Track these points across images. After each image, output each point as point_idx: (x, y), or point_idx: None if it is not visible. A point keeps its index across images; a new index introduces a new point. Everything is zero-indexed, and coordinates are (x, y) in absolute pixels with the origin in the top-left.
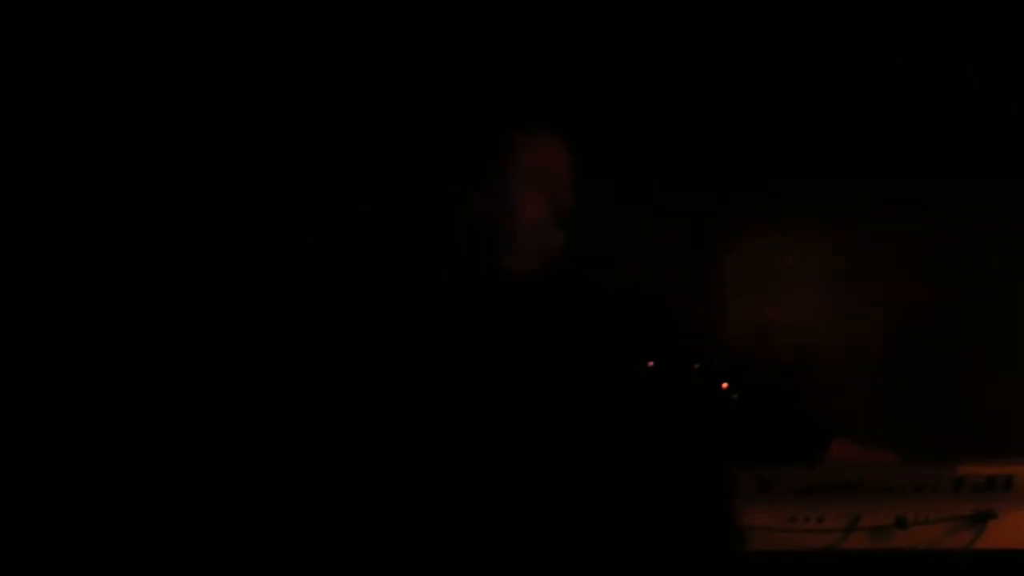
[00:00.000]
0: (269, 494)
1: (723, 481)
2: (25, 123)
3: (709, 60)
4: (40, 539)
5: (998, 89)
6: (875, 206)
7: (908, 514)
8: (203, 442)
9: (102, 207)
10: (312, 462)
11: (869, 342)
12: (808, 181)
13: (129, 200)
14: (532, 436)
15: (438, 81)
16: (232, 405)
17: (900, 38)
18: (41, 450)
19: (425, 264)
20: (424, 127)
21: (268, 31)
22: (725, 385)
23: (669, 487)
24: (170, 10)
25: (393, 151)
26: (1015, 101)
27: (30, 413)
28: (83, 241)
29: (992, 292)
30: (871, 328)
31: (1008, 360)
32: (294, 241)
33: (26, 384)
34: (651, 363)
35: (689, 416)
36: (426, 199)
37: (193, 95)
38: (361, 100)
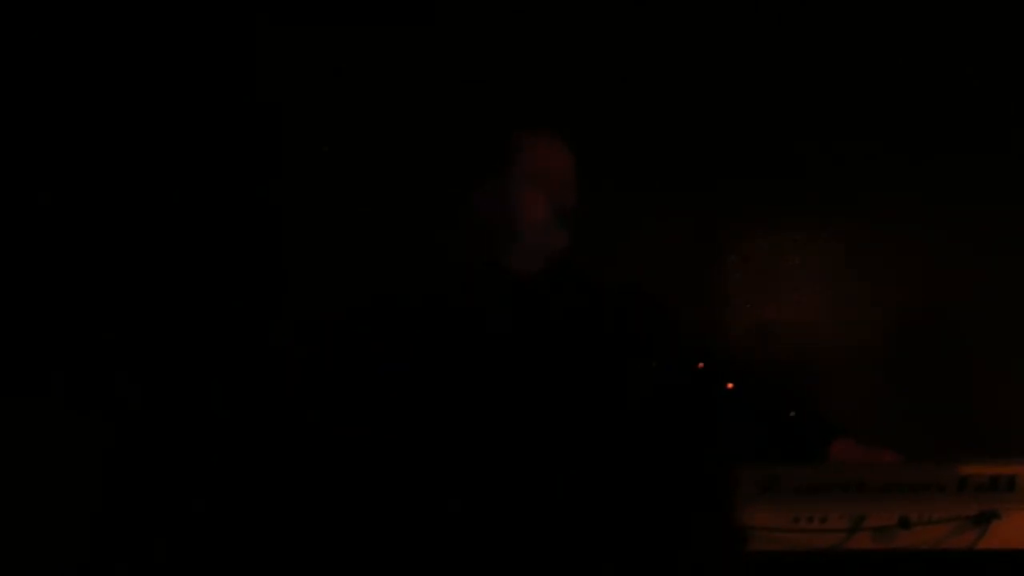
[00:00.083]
0: (271, 494)
1: (726, 481)
2: (24, 123)
3: (711, 60)
4: (39, 539)
5: (998, 89)
6: (878, 206)
7: (912, 514)
8: (204, 442)
9: (102, 207)
10: (317, 464)
11: (872, 341)
12: (809, 181)
13: (129, 201)
14: (535, 436)
15: (441, 81)
16: (234, 404)
17: (901, 38)
18: (41, 449)
19: (428, 264)
20: (426, 127)
21: (268, 31)
22: (729, 385)
23: (672, 487)
24: (170, 10)
25: (396, 151)
26: (1015, 101)
27: (31, 413)
28: (83, 241)
29: (996, 291)
30: (874, 327)
31: (1011, 360)
32: (296, 241)
33: (25, 384)
34: (654, 363)
35: (692, 416)
36: (429, 199)
37: (193, 95)
38: (363, 100)
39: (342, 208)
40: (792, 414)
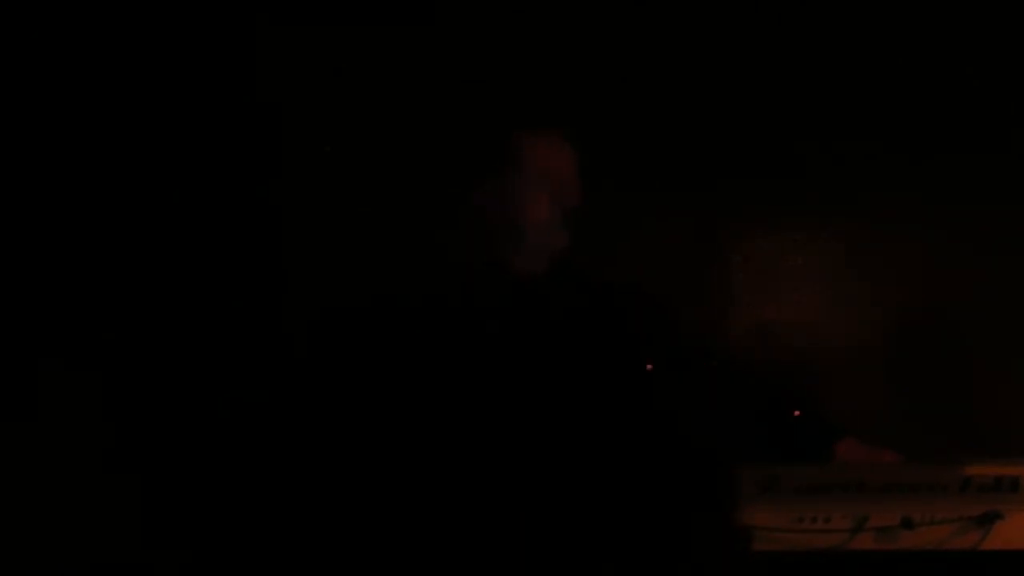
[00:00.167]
0: (273, 492)
1: (729, 481)
2: (24, 123)
3: (711, 60)
4: (39, 539)
5: (998, 89)
6: (878, 206)
7: (915, 515)
8: (204, 442)
9: (102, 207)
10: (317, 462)
11: (873, 341)
12: (809, 181)
13: (130, 201)
14: (536, 435)
15: (443, 81)
16: (235, 404)
17: (901, 38)
18: (41, 450)
19: (428, 264)
20: (427, 127)
21: (268, 31)
22: (732, 385)
23: (675, 486)
24: (170, 10)
25: (397, 151)
26: (1015, 101)
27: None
28: (84, 242)
29: (996, 291)
30: (875, 327)
31: (1014, 360)
32: (297, 241)
33: (26, 384)
34: (655, 362)
35: (694, 415)
36: (430, 199)
37: (194, 95)
38: (364, 100)
39: (343, 208)
40: (797, 414)
